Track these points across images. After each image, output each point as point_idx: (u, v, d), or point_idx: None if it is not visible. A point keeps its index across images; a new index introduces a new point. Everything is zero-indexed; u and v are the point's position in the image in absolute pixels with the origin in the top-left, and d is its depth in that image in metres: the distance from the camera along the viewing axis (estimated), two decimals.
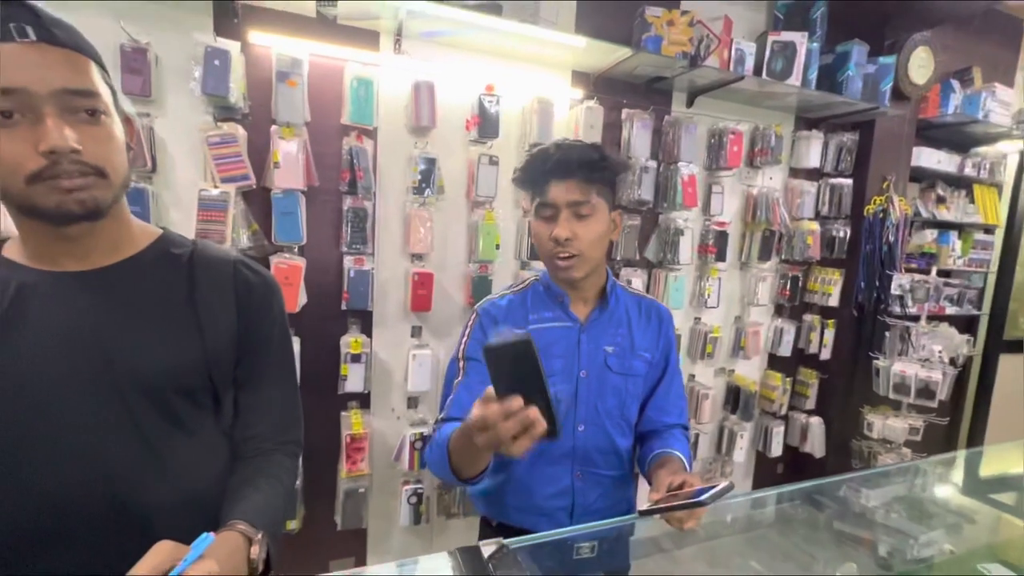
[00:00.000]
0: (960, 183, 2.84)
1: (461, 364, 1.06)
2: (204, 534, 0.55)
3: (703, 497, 0.75)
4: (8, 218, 1.24)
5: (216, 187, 1.49)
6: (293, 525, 1.68)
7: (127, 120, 0.69)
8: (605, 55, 1.83)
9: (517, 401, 0.63)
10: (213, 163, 1.49)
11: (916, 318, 2.47)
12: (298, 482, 1.69)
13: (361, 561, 1.93)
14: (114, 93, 0.67)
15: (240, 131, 1.52)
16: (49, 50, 0.59)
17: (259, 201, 1.60)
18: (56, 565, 0.65)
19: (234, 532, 0.63)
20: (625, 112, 2.04)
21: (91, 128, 0.61)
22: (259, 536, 0.64)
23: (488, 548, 0.73)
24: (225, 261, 0.77)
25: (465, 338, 1.08)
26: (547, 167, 0.99)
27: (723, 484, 0.79)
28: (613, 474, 1.10)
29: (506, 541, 0.76)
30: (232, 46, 1.46)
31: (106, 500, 0.66)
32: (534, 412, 0.64)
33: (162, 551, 0.53)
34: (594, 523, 1.01)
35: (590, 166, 0.98)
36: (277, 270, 1.57)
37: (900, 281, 2.46)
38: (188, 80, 1.46)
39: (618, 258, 2.11)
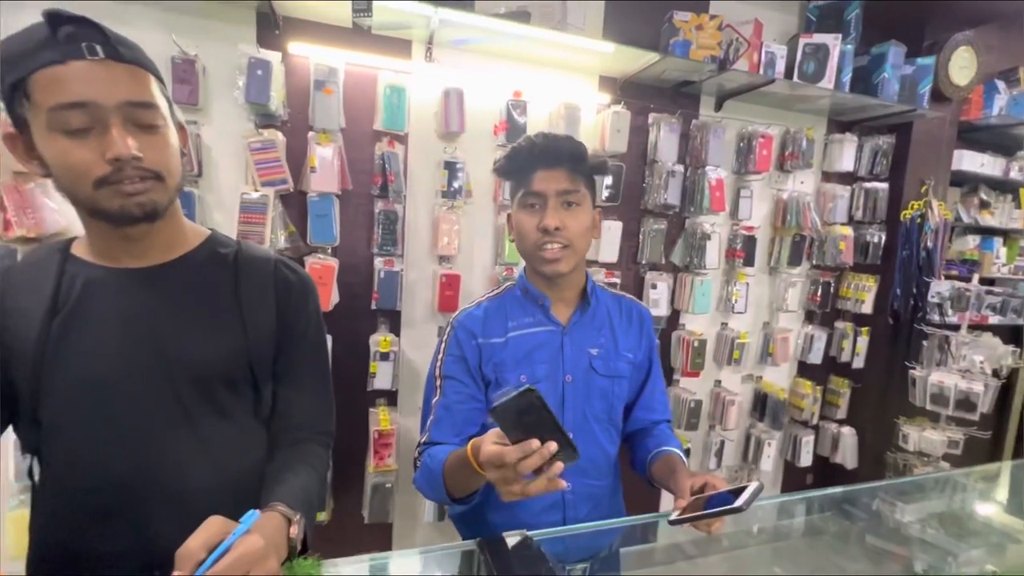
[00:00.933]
0: (1006, 187, 2.72)
1: (439, 383, 1.01)
2: (251, 511, 0.59)
3: (738, 503, 0.73)
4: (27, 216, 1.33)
5: (257, 190, 1.56)
6: (322, 517, 1.74)
7: (180, 127, 0.75)
8: (632, 60, 1.84)
9: (534, 442, 0.63)
10: (254, 168, 1.56)
11: (956, 327, 2.38)
12: (327, 475, 1.74)
13: None
14: (170, 103, 0.72)
15: (279, 137, 1.60)
16: (115, 66, 0.64)
17: (296, 204, 1.68)
18: (112, 539, 0.71)
19: (275, 512, 0.67)
20: (652, 116, 2.04)
21: (151, 137, 0.66)
22: (297, 517, 0.68)
23: (512, 539, 0.75)
24: (266, 261, 0.83)
25: (441, 354, 1.03)
26: (534, 155, 0.95)
27: (753, 485, 0.77)
28: (603, 484, 1.06)
29: (530, 533, 0.78)
30: (273, 56, 1.53)
31: (157, 479, 0.71)
32: (552, 446, 0.63)
33: (213, 526, 0.58)
34: (623, 519, 1.02)
35: (577, 157, 0.96)
36: (311, 270, 1.64)
37: (939, 288, 2.38)
38: (232, 89, 1.54)
39: (643, 261, 2.11)
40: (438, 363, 1.03)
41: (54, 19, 0.61)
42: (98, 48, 0.63)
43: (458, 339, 1.02)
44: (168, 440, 0.72)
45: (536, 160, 0.95)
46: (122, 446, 0.70)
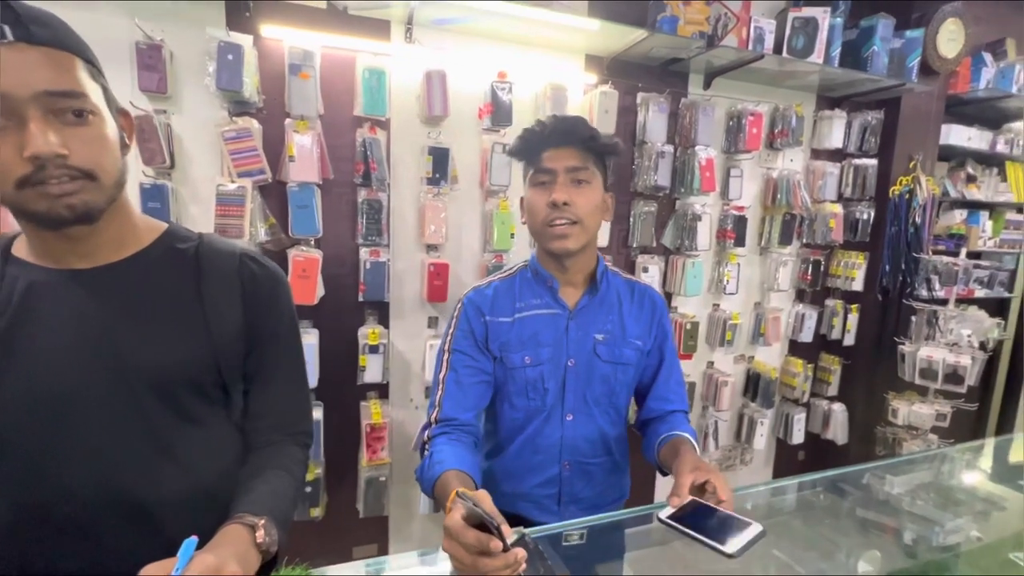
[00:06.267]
0: (992, 161, 2.73)
1: (447, 356, 1.03)
2: (187, 540, 0.55)
3: (730, 549, 0.70)
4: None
5: (233, 182, 1.50)
6: (317, 513, 1.72)
7: (122, 114, 0.68)
8: (619, 38, 1.79)
9: (496, 543, 0.62)
10: (229, 158, 1.50)
11: (944, 302, 2.40)
12: (320, 471, 1.72)
13: (384, 547, 1.96)
14: (105, 90, 0.64)
15: (255, 125, 1.53)
16: (28, 50, 0.56)
17: (276, 195, 1.62)
18: (71, 555, 0.67)
19: (235, 524, 0.63)
20: (640, 96, 2.00)
21: (78, 130, 0.59)
22: (262, 522, 0.64)
23: (509, 539, 0.73)
24: (231, 255, 0.77)
25: (452, 329, 1.05)
26: (544, 134, 0.98)
27: (755, 531, 0.73)
28: (601, 462, 1.09)
29: (526, 531, 0.76)
30: (245, 40, 1.46)
31: (118, 493, 0.67)
32: (522, 554, 0.64)
33: (150, 572, 0.53)
34: (617, 512, 1.00)
35: (586, 136, 0.97)
36: (295, 263, 1.59)
37: (927, 264, 2.39)
38: (203, 76, 1.47)
39: (634, 245, 2.08)
40: (448, 339, 1.04)
41: None
42: (6, 30, 0.55)
43: (467, 315, 1.04)
44: (129, 452, 0.68)
45: (547, 139, 0.97)
46: (78, 461, 0.65)
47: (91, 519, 0.66)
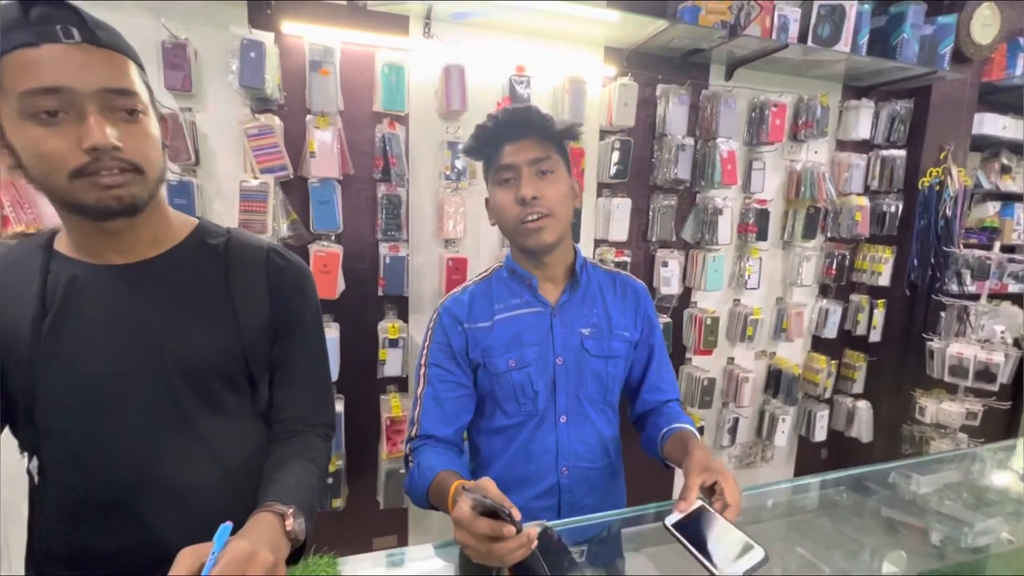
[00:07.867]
0: None
1: (424, 371, 0.99)
2: (223, 525, 0.57)
3: (726, 572, 0.67)
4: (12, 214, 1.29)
5: (256, 178, 1.53)
6: (338, 503, 1.75)
7: (162, 119, 0.72)
8: (639, 28, 1.77)
9: (509, 528, 0.63)
10: (252, 154, 1.53)
11: (976, 297, 2.32)
12: (342, 463, 1.75)
13: (403, 538, 1.99)
14: (151, 92, 0.68)
15: (277, 122, 1.56)
16: (92, 51, 0.61)
17: (297, 190, 1.64)
18: (112, 537, 0.70)
19: (265, 512, 0.65)
20: (660, 88, 1.98)
21: (130, 126, 0.63)
22: (290, 511, 0.66)
23: (532, 531, 0.73)
24: (258, 249, 0.80)
25: (427, 341, 1.01)
26: (500, 130, 0.92)
27: (756, 556, 0.68)
28: (599, 465, 1.04)
29: (549, 524, 0.77)
30: (266, 37, 1.48)
31: (155, 477, 0.70)
32: (534, 532, 0.65)
33: (185, 558, 0.55)
34: (629, 510, 0.99)
35: (543, 124, 0.92)
36: (316, 258, 1.61)
37: (958, 257, 2.32)
38: (226, 73, 1.49)
39: (654, 239, 2.06)
40: (424, 352, 1.00)
41: None
42: (74, 31, 0.59)
43: (443, 326, 1.00)
44: (164, 438, 0.71)
45: (502, 134, 0.92)
46: (118, 446, 0.69)
47: (132, 501, 0.70)
